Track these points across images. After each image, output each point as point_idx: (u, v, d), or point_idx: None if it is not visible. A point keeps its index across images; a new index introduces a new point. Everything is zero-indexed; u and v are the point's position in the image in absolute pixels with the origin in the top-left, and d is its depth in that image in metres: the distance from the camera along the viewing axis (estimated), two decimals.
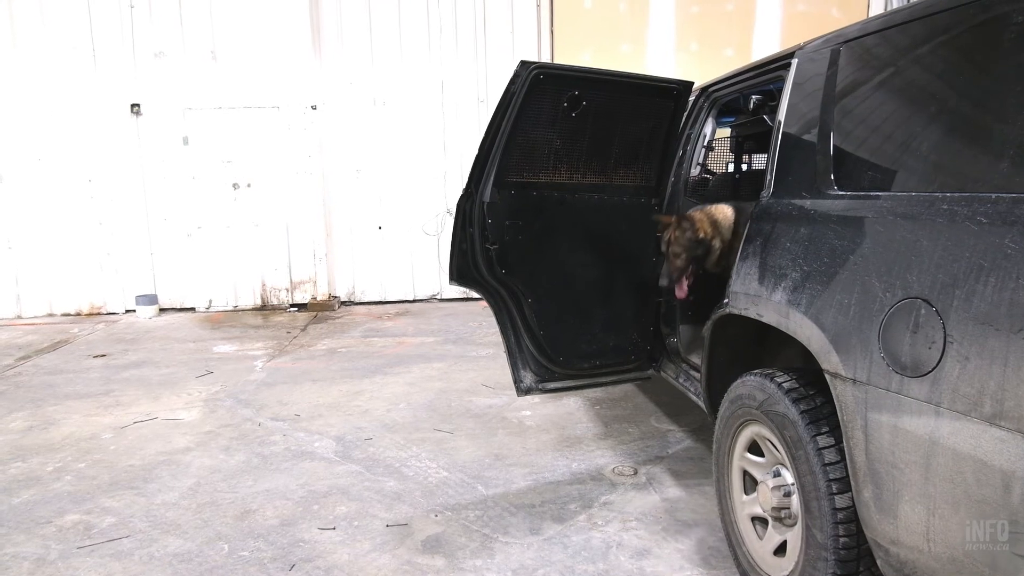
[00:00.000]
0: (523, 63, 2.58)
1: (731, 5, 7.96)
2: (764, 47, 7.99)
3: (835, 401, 1.66)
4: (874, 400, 1.53)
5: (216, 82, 7.42)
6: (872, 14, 7.85)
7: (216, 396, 4.51)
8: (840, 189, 1.83)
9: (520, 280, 2.83)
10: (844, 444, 1.64)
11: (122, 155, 7.45)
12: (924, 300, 1.41)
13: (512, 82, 2.59)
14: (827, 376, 1.68)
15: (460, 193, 2.75)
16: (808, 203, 1.92)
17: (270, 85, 7.43)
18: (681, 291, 2.83)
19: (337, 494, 3.04)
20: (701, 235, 2.71)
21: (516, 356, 2.99)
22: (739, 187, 3.31)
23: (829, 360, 1.67)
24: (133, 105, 7.37)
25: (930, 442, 1.38)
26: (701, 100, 3.10)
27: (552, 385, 3.04)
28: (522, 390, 3.00)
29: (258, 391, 4.62)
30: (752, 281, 2.08)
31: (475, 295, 8.06)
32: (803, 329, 1.78)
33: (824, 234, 1.79)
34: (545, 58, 7.76)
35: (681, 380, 3.10)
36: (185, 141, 7.49)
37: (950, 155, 1.56)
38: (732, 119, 3.44)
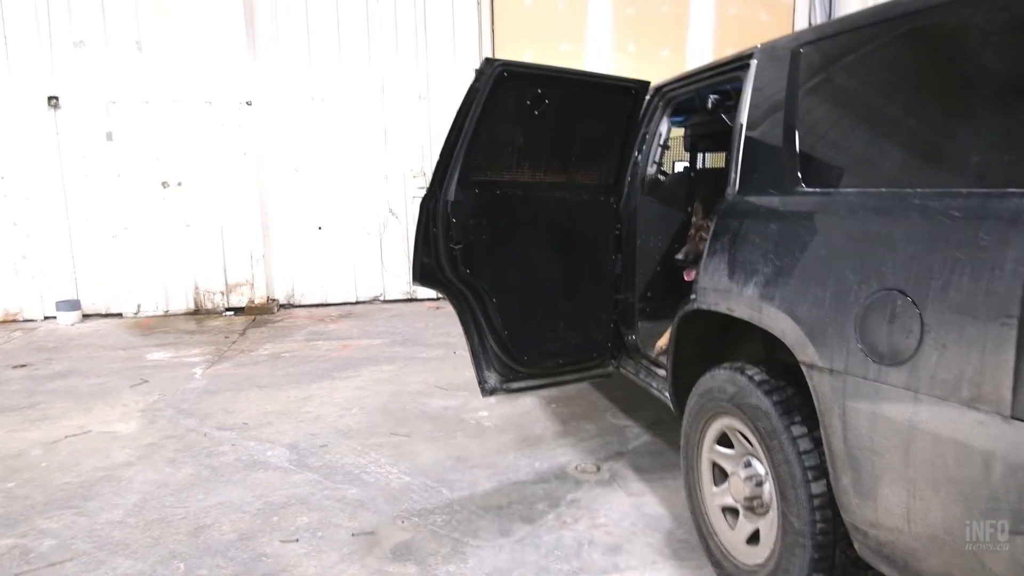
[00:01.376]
0: (487, 60, 2.56)
1: (666, 7, 8.15)
2: (698, 48, 8.23)
3: (812, 391, 1.71)
4: (852, 389, 1.58)
5: (142, 74, 7.05)
6: (798, 17, 8.23)
7: (155, 406, 4.27)
8: (808, 186, 1.88)
9: (485, 279, 2.80)
10: (821, 432, 1.70)
11: (38, 151, 6.98)
12: (900, 291, 1.46)
13: (476, 79, 2.56)
14: (803, 367, 1.73)
15: (425, 192, 2.69)
16: (776, 200, 1.97)
17: (201, 79, 7.11)
18: (690, 275, 2.88)
19: (296, 504, 2.92)
20: None
21: (480, 357, 2.96)
22: (695, 185, 3.38)
23: (805, 352, 1.72)
24: (50, 98, 6.91)
25: (909, 427, 1.44)
26: (656, 100, 3.15)
27: (516, 385, 3.02)
28: (486, 391, 2.97)
29: (200, 399, 4.41)
30: (721, 277, 2.12)
31: (419, 296, 8.02)
32: (777, 322, 1.83)
33: (795, 230, 1.84)
34: (486, 55, 7.75)
35: (642, 376, 3.14)
36: (109, 136, 7.08)
37: (915, 153, 1.63)
38: (682, 119, 3.51)
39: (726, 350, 2.58)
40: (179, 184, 7.26)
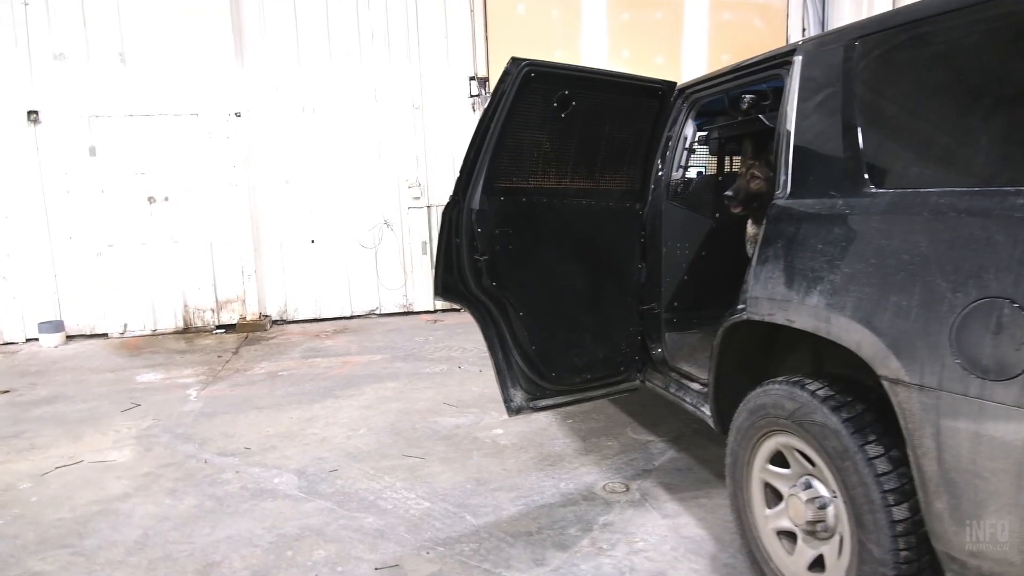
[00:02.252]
0: (514, 60, 2.41)
1: (660, 13, 8.10)
2: (693, 54, 8.18)
3: (896, 409, 1.57)
4: (948, 406, 1.45)
5: (126, 87, 6.83)
6: (791, 23, 8.20)
7: (149, 432, 4.06)
8: (877, 187, 1.76)
9: (511, 292, 2.64)
10: (910, 454, 1.56)
11: (18, 168, 6.72)
12: (1007, 299, 1.33)
13: (502, 80, 2.41)
14: (885, 383, 1.60)
15: (448, 201, 2.54)
16: (840, 203, 1.84)
17: (187, 90, 6.91)
18: (738, 207, 2.82)
19: (311, 536, 2.74)
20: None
21: (505, 374, 2.79)
22: (723, 189, 3.26)
23: (887, 366, 1.58)
24: (30, 112, 6.67)
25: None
26: (680, 102, 3.03)
27: (544, 403, 2.86)
28: (512, 409, 2.81)
29: (197, 423, 4.19)
30: (777, 285, 1.99)
31: (416, 308, 7.83)
32: (850, 334, 1.70)
33: (866, 234, 1.71)
34: (480, 64, 7.63)
35: (672, 390, 3.00)
36: (92, 151, 6.84)
37: (1006, 149, 1.51)
38: (702, 121, 3.39)
39: (769, 364, 2.46)
40: (166, 199, 7.03)
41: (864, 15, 7.82)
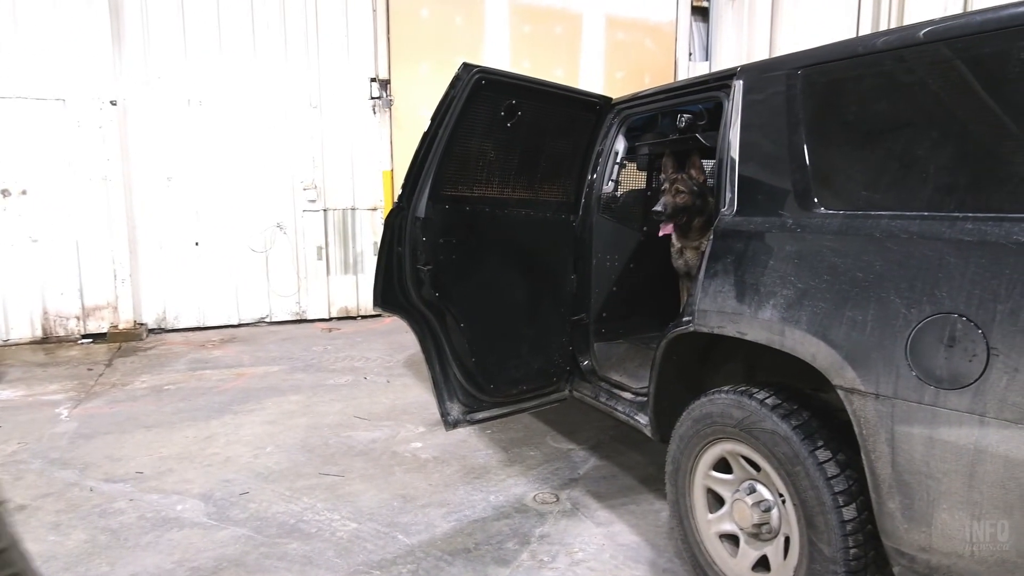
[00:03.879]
0: (465, 65, 2.36)
1: (560, 28, 8.29)
2: (590, 69, 8.45)
3: (851, 416, 1.68)
4: (903, 413, 1.56)
5: None
6: (680, 45, 8.69)
7: (15, 458, 3.57)
8: (826, 208, 1.87)
9: (453, 303, 2.57)
10: (864, 458, 1.67)
11: None
12: (960, 315, 1.46)
13: (452, 86, 2.35)
14: (840, 392, 1.70)
15: (392, 208, 2.44)
16: (790, 222, 1.95)
17: (51, 72, 6.18)
18: (667, 228, 3.00)
19: (230, 567, 2.51)
20: (704, 195, 2.96)
21: (443, 387, 2.72)
22: (651, 203, 3.36)
23: (843, 376, 1.69)
24: None
25: (975, 450, 1.43)
26: (611, 117, 3.09)
27: (480, 415, 2.81)
28: (450, 423, 2.74)
29: (74, 446, 3.74)
30: (727, 299, 2.07)
31: (310, 316, 7.49)
32: (805, 346, 1.79)
33: (820, 252, 1.82)
34: (381, 65, 7.45)
35: (603, 400, 3.04)
36: None
37: (949, 179, 1.65)
38: (633, 136, 3.47)
39: (705, 374, 2.56)
40: (23, 192, 6.25)
41: (744, 43, 8.44)
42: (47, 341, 6.43)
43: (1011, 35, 1.54)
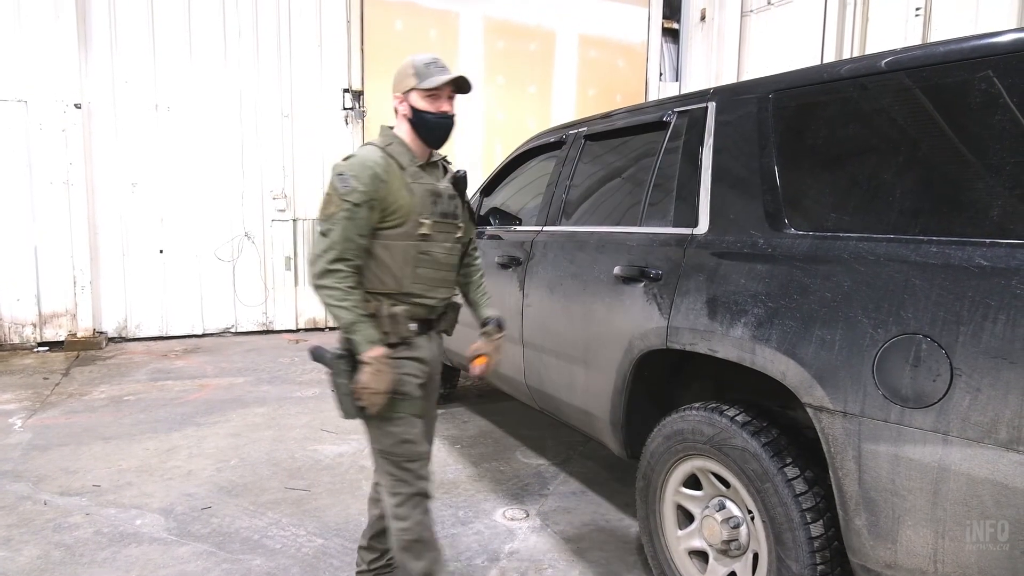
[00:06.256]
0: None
1: (534, 45, 8.37)
2: (563, 86, 8.54)
3: (820, 434, 1.70)
4: (869, 431, 1.59)
5: None
6: (651, 65, 8.83)
7: None
8: (796, 229, 1.91)
9: None
10: (831, 475, 1.69)
11: None
12: (924, 336, 1.50)
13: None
14: (809, 410, 1.73)
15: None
16: (761, 242, 1.98)
17: (13, 73, 6.04)
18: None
19: None
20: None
21: None
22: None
23: (812, 394, 1.71)
24: None
25: (939, 468, 1.47)
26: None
27: None
28: None
29: (27, 458, 3.61)
30: (699, 316, 2.09)
31: (276, 327, 7.37)
32: (775, 364, 1.82)
33: (790, 272, 1.85)
34: (355, 76, 7.42)
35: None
36: None
37: (911, 202, 1.70)
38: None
39: (674, 391, 2.58)
40: None
41: (713, 65, 8.62)
42: (1, 349, 6.22)
43: (971, 66, 1.60)
